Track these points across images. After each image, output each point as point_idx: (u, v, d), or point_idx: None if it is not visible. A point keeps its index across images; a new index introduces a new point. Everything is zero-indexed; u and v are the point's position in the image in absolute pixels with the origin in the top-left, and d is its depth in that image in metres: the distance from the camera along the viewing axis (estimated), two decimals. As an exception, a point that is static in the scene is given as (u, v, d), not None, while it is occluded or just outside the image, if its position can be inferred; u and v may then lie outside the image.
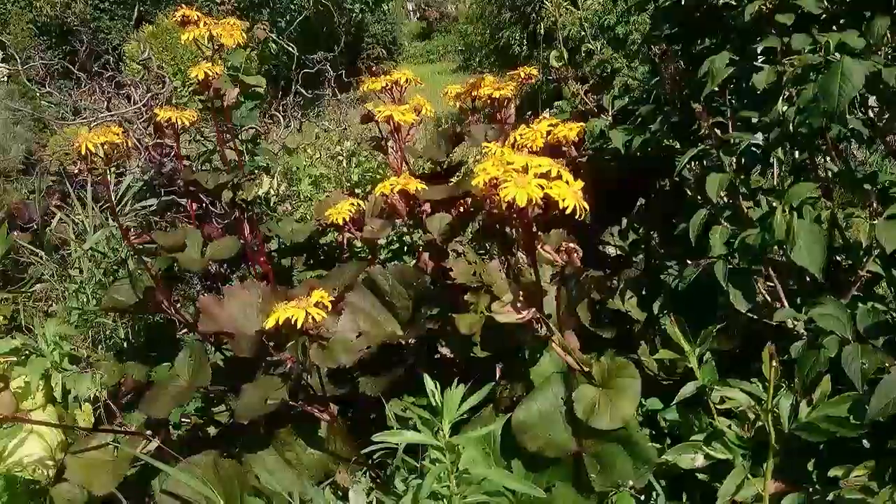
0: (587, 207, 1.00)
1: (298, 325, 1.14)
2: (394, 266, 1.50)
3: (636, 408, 1.12)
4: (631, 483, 1.07)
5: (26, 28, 8.53)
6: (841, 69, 0.95)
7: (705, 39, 1.61)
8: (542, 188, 0.98)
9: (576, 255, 1.06)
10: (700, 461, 1.06)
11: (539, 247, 1.07)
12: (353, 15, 7.24)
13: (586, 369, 1.16)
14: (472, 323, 1.32)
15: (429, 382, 0.97)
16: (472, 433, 0.96)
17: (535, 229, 1.08)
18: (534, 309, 1.17)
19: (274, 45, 6.03)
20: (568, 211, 0.97)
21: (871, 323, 1.18)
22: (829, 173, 1.29)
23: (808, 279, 1.42)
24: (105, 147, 1.38)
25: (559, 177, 1.01)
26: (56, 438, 1.63)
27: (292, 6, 6.55)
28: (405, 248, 2.33)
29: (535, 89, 4.11)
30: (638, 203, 1.67)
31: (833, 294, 1.29)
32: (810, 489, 1.12)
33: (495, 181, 1.04)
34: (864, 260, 1.22)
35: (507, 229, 1.21)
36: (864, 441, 1.12)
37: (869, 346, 1.15)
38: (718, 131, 1.17)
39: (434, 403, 0.96)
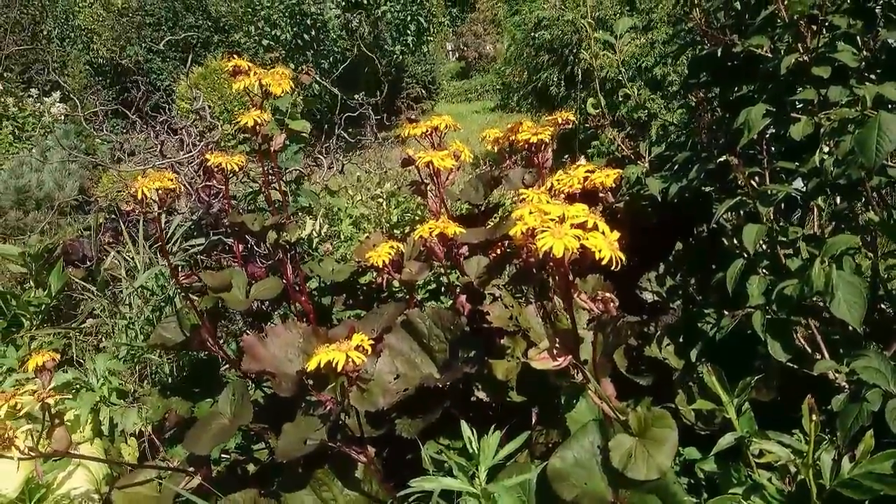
0: (623, 258, 1.01)
1: (339, 369, 1.16)
2: (432, 309, 1.53)
3: (673, 458, 1.11)
4: (668, 536, 1.06)
5: (83, 69, 8.96)
6: (878, 124, 0.96)
7: (742, 87, 1.63)
8: (579, 239, 1.00)
9: (612, 304, 1.07)
10: None
11: (575, 296, 1.09)
12: (394, 56, 7.43)
13: (622, 418, 1.16)
14: (507, 369, 1.34)
15: (465, 429, 0.98)
16: (508, 481, 0.97)
17: (571, 277, 1.09)
18: (570, 356, 1.19)
19: (317, 86, 6.22)
20: (604, 262, 0.99)
21: (917, 376, 1.15)
22: (871, 223, 1.28)
23: (850, 328, 1.40)
24: (159, 192, 1.45)
25: (595, 227, 1.03)
26: (102, 471, 1.68)
27: (335, 48, 6.76)
28: (442, 288, 2.36)
29: (571, 131, 4.15)
30: (675, 248, 1.67)
31: (878, 344, 1.27)
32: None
33: (532, 231, 1.06)
34: (908, 312, 1.20)
35: (544, 275, 1.22)
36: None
37: (914, 400, 1.13)
38: (755, 181, 1.18)
39: (471, 450, 0.97)
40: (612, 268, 0.99)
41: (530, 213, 1.08)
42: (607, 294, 1.08)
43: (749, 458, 1.19)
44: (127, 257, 2.39)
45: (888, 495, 1.02)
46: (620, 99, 3.00)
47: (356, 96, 4.58)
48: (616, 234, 1.03)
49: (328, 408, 1.29)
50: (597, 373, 1.22)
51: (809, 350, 1.23)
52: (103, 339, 2.25)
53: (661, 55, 4.37)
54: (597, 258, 0.99)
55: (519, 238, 1.08)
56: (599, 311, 1.08)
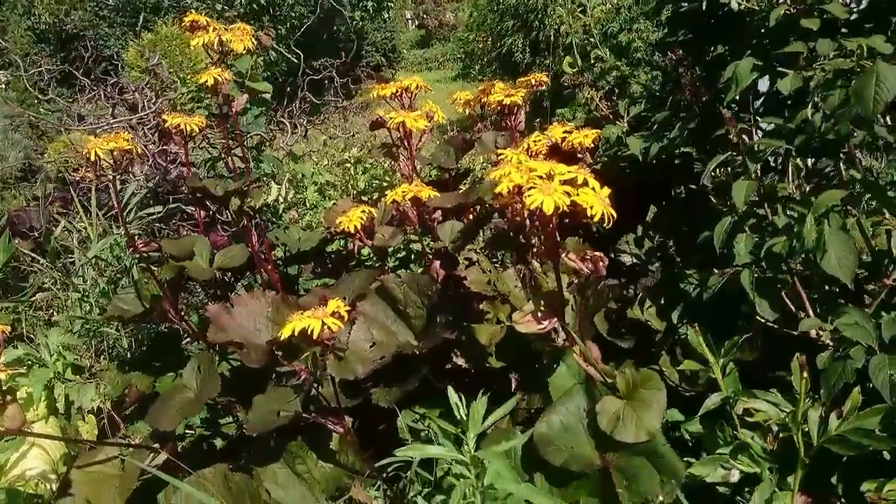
0: (614, 214, 0.97)
1: (315, 336, 1.10)
2: (408, 274, 1.47)
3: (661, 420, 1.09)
4: (661, 498, 1.04)
5: (25, 35, 8.50)
6: (876, 73, 0.93)
7: (718, 46, 1.60)
8: (569, 195, 0.96)
9: (602, 263, 1.03)
10: (735, 476, 1.03)
11: (563, 255, 1.05)
12: (354, 23, 7.24)
13: (609, 380, 1.13)
14: (492, 333, 1.30)
15: (452, 395, 0.94)
16: (497, 447, 0.93)
17: (558, 237, 1.05)
18: (555, 319, 1.15)
19: (273, 53, 6.02)
20: (596, 218, 0.95)
21: (897, 332, 1.15)
22: (853, 180, 1.27)
23: (826, 288, 1.40)
24: (115, 153, 1.35)
25: (586, 183, 0.99)
26: (59, 451, 1.60)
27: (293, 14, 6.54)
28: (412, 256, 2.30)
29: (538, 97, 4.10)
30: (652, 210, 1.64)
31: (855, 304, 1.26)
32: (838, 503, 1.10)
33: (519, 188, 1.01)
34: (891, 269, 1.19)
35: (525, 238, 1.18)
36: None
37: (896, 356, 1.12)
38: (746, 137, 1.15)
39: (458, 416, 0.93)
40: (605, 224, 0.95)
41: (517, 170, 1.03)
42: (597, 253, 1.04)
43: (734, 419, 1.18)
44: (78, 227, 2.26)
45: (875, 450, 1.02)
46: (592, 61, 2.95)
47: (315, 63, 4.43)
48: (607, 190, 0.99)
49: (302, 378, 1.23)
50: (582, 335, 1.19)
51: (794, 310, 1.22)
52: (55, 313, 2.13)
53: (626, 20, 4.34)
54: (589, 214, 0.95)
55: (505, 196, 1.03)
56: (589, 271, 1.04)
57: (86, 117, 2.48)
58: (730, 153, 1.15)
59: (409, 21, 12.57)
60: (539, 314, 1.15)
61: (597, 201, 0.95)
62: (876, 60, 0.96)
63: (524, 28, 4.60)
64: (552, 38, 4.80)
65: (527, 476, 1.08)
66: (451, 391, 0.94)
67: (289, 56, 4.66)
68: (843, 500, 1.15)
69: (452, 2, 11.57)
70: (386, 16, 8.00)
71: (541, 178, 1.01)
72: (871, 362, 1.13)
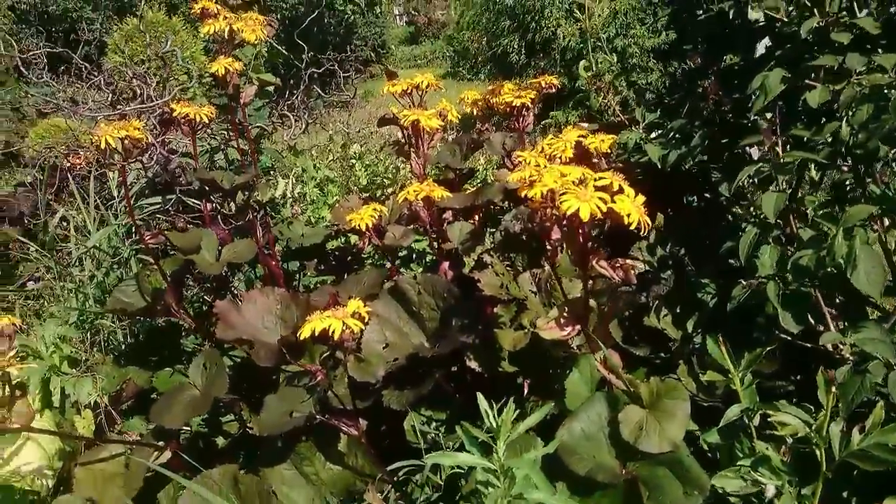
0: (650, 223, 0.97)
1: (336, 337, 1.08)
2: (423, 276, 1.45)
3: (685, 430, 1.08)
4: (690, 511, 1.03)
5: (6, 15, 8.31)
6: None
7: (730, 56, 1.60)
8: (605, 202, 0.95)
9: (633, 272, 1.02)
10: (771, 491, 1.02)
11: (595, 262, 1.04)
12: (345, 16, 7.18)
13: (632, 389, 1.12)
14: (515, 338, 1.28)
15: (482, 401, 0.92)
16: (527, 455, 0.92)
17: (590, 243, 1.04)
18: (578, 326, 1.14)
19: (266, 45, 5.95)
20: (633, 226, 0.94)
21: (912, 348, 1.16)
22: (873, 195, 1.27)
23: (838, 301, 1.41)
24: (125, 142, 1.32)
25: (621, 190, 0.98)
26: (54, 446, 1.55)
27: (284, 4, 6.47)
28: (413, 255, 2.28)
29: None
30: (666, 218, 1.64)
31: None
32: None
33: (552, 194, 1.00)
34: (910, 284, 1.20)
35: (551, 244, 1.16)
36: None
37: (914, 372, 1.13)
38: (779, 149, 1.15)
39: (488, 423, 0.91)
40: (641, 233, 0.95)
41: (549, 174, 1.02)
42: (628, 261, 1.03)
43: (751, 430, 1.18)
44: (75, 216, 2.19)
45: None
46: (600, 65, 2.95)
47: (303, 56, 4.38)
48: (641, 198, 0.98)
49: (318, 378, 1.21)
50: (604, 342, 1.18)
51: (812, 322, 1.22)
52: (45, 303, 2.07)
53: (621, 26, 4.35)
54: (626, 222, 0.94)
55: (537, 201, 1.02)
56: (620, 279, 1.03)
57: (80, 103, 2.42)
58: (760, 164, 1.14)
59: (399, 17, 12.52)
60: (562, 320, 1.14)
61: (633, 209, 0.95)
62: (916, 78, 0.96)
63: (520, 29, 4.59)
64: (547, 40, 4.79)
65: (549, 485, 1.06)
66: (481, 398, 0.93)
67: (279, 48, 4.61)
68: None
69: (443, -1, 11.56)
70: (378, 10, 7.94)
71: (574, 183, 1.00)
72: (889, 377, 1.13)
